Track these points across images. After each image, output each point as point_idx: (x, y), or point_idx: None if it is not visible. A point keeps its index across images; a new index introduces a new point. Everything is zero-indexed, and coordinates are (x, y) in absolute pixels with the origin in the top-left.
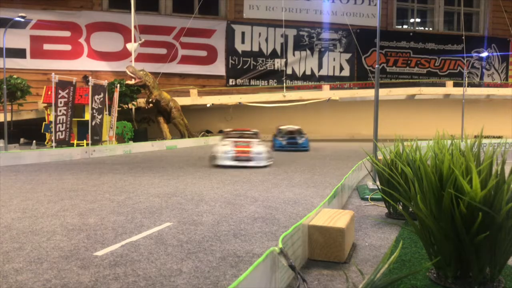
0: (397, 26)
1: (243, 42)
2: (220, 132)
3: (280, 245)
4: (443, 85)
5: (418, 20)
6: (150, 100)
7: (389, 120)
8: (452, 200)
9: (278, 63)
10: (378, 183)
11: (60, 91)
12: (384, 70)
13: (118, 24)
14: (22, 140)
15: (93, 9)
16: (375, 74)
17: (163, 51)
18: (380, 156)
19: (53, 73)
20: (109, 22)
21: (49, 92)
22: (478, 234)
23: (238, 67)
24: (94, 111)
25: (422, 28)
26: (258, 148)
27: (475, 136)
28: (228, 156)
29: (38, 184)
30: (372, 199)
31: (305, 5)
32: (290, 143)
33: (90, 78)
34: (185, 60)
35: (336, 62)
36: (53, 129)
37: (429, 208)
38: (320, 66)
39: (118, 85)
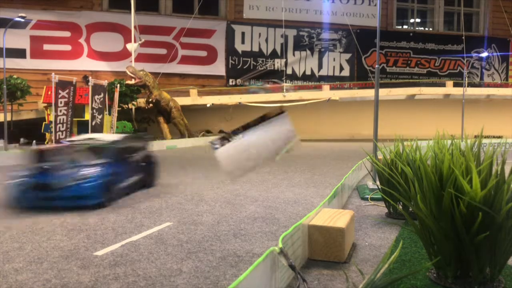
0: (397, 26)
1: (243, 42)
2: (221, 132)
3: (280, 245)
4: (443, 85)
5: (418, 20)
6: (150, 100)
7: (389, 120)
8: (452, 200)
9: (278, 63)
10: (378, 183)
11: (60, 91)
12: (384, 70)
13: (118, 24)
14: (22, 140)
15: (93, 9)
16: (375, 74)
17: (163, 51)
18: (380, 156)
19: (53, 73)
20: (109, 22)
21: (49, 92)
22: (478, 234)
23: (238, 67)
24: (94, 111)
25: (422, 28)
26: None
27: (475, 136)
28: None
29: None
30: (372, 199)
31: (305, 5)
32: (39, 186)
33: (90, 78)
34: (185, 60)
35: (336, 62)
36: (53, 129)
37: (429, 208)
38: (320, 66)
39: (118, 85)
